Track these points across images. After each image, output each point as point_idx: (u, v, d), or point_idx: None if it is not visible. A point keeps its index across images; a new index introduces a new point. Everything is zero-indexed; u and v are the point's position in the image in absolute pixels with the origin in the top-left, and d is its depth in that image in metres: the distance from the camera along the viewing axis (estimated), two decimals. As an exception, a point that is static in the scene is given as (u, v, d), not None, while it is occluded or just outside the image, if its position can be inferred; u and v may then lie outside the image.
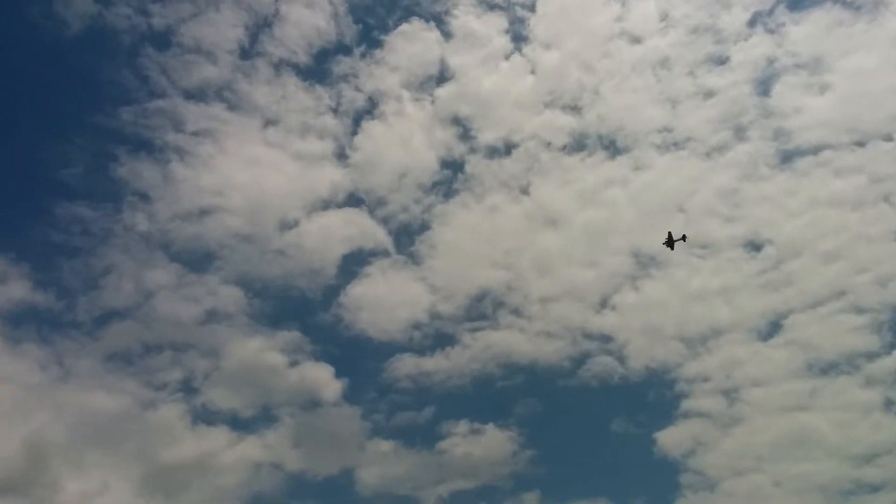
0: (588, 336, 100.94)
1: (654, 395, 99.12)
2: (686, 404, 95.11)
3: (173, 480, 79.00)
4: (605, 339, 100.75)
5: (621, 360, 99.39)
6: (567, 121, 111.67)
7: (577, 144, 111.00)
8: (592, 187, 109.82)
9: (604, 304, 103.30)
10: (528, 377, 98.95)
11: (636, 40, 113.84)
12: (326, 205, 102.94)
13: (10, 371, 79.33)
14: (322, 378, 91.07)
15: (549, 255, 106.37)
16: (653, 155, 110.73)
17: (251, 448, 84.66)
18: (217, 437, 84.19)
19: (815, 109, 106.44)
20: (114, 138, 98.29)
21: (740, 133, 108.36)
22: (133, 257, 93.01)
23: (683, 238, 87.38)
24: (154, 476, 78.37)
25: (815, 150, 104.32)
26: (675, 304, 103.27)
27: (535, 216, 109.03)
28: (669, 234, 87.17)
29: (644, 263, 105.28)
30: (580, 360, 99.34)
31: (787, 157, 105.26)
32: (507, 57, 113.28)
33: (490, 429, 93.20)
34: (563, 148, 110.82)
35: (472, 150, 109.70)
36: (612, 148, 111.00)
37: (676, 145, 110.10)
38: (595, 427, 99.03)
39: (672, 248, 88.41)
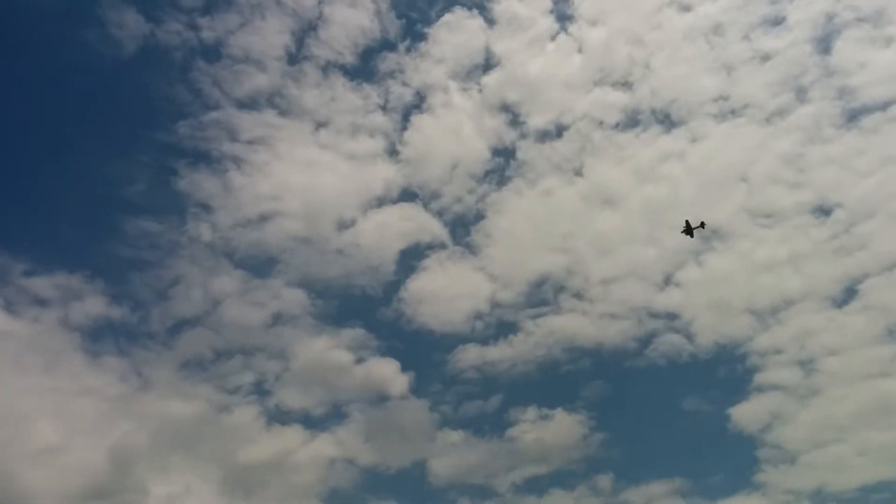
0: (653, 315, 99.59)
1: (726, 371, 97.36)
2: (760, 378, 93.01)
3: (252, 480, 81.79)
4: (671, 316, 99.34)
5: (689, 337, 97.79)
6: (618, 97, 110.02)
7: (630, 121, 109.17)
8: (648, 163, 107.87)
9: (667, 281, 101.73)
10: (593, 360, 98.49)
11: (686, 8, 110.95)
12: (381, 202, 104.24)
13: (92, 384, 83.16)
14: (388, 373, 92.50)
15: (608, 235, 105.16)
16: (710, 125, 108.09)
17: (324, 445, 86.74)
18: (291, 436, 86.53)
19: (881, 64, 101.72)
20: (173, 152, 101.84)
21: (801, 95, 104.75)
22: (199, 266, 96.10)
23: (702, 225, 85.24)
24: (234, 476, 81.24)
25: (883, 106, 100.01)
26: (743, 277, 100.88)
27: (591, 197, 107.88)
28: (687, 221, 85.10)
29: (707, 237, 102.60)
30: (646, 339, 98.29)
31: (853, 116, 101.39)
32: (552, 38, 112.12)
33: (559, 414, 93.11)
34: (616, 125, 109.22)
35: (523, 136, 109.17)
36: (667, 121, 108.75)
37: (734, 113, 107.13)
38: (666, 406, 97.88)
39: (692, 236, 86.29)
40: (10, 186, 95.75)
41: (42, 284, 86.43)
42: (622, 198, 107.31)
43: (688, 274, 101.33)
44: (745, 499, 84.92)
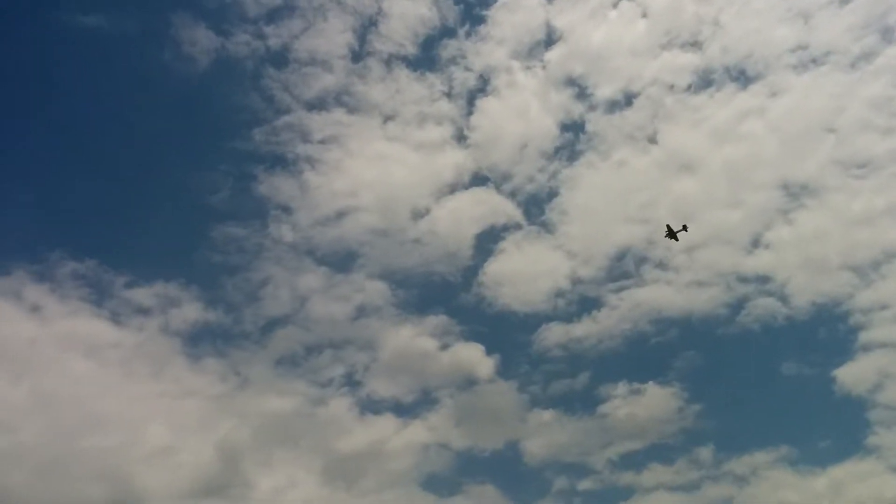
0: (743, 279, 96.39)
1: (826, 332, 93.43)
2: (865, 336, 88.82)
3: (351, 469, 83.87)
4: (763, 279, 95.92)
5: (783, 299, 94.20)
6: (688, 59, 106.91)
7: (703, 81, 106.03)
8: (726, 123, 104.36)
9: (755, 243, 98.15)
10: (683, 330, 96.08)
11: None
12: (453, 188, 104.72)
13: (195, 385, 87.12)
14: (474, 357, 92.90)
15: (689, 201, 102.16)
16: (789, 77, 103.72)
17: (417, 431, 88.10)
18: (384, 425, 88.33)
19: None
20: (251, 159, 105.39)
21: (888, 35, 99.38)
22: (284, 266, 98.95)
23: (684, 228, 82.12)
24: (333, 467, 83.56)
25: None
26: (838, 232, 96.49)
27: (668, 164, 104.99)
28: (668, 226, 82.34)
29: (795, 194, 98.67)
30: (738, 305, 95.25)
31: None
32: (614, 5, 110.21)
33: (650, 387, 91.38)
34: (688, 88, 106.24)
35: (591, 108, 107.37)
36: (742, 78, 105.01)
37: (815, 62, 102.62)
38: (764, 373, 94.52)
39: (676, 240, 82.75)
40: (107, 205, 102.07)
41: (143, 294, 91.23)
42: (700, 162, 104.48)
43: (777, 234, 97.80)
44: (858, 463, 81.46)
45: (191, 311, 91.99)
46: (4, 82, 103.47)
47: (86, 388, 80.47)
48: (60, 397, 78.13)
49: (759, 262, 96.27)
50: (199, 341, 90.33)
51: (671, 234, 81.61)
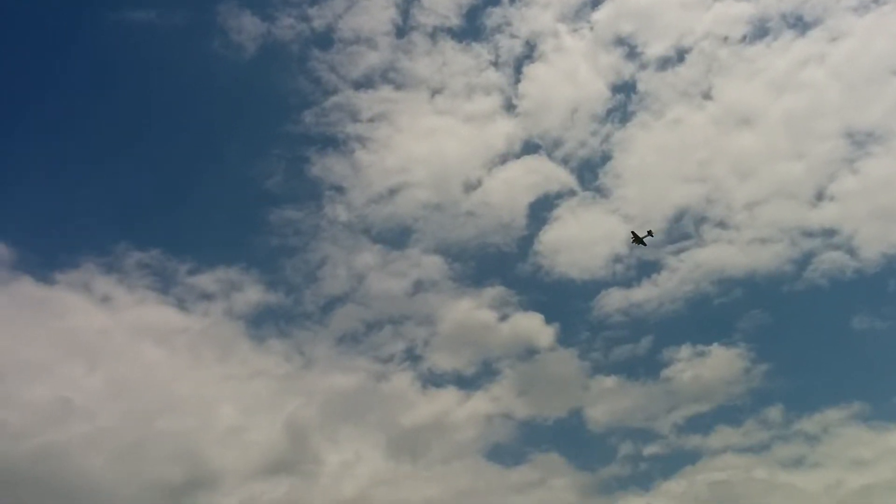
0: (808, 234, 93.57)
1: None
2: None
3: (416, 442, 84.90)
4: (829, 233, 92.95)
5: (851, 252, 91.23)
6: (742, 8, 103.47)
7: (759, 31, 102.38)
8: (785, 73, 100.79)
9: (820, 196, 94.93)
10: (747, 289, 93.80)
11: None
12: (504, 158, 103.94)
13: (261, 366, 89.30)
14: (533, 326, 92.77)
15: (748, 156, 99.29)
16: (850, 20, 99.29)
17: (480, 403, 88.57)
18: (447, 397, 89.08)
19: None
20: (303, 141, 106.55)
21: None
22: (341, 246, 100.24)
23: (650, 233, 79.98)
24: (398, 440, 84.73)
25: None
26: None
27: (725, 119, 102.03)
28: (633, 233, 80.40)
29: (861, 142, 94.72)
30: (803, 261, 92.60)
31: None
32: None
33: (715, 349, 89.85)
34: (743, 39, 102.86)
35: (642, 67, 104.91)
36: (800, 24, 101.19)
37: (877, 2, 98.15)
38: (833, 328, 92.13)
39: (644, 245, 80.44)
40: (166, 195, 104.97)
41: (206, 280, 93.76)
42: (759, 114, 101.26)
43: (843, 185, 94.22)
44: (936, 417, 78.58)
45: (252, 294, 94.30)
46: (63, 81, 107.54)
47: (158, 374, 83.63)
48: (134, 383, 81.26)
49: (824, 215, 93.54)
50: (262, 323, 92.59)
51: (637, 239, 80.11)
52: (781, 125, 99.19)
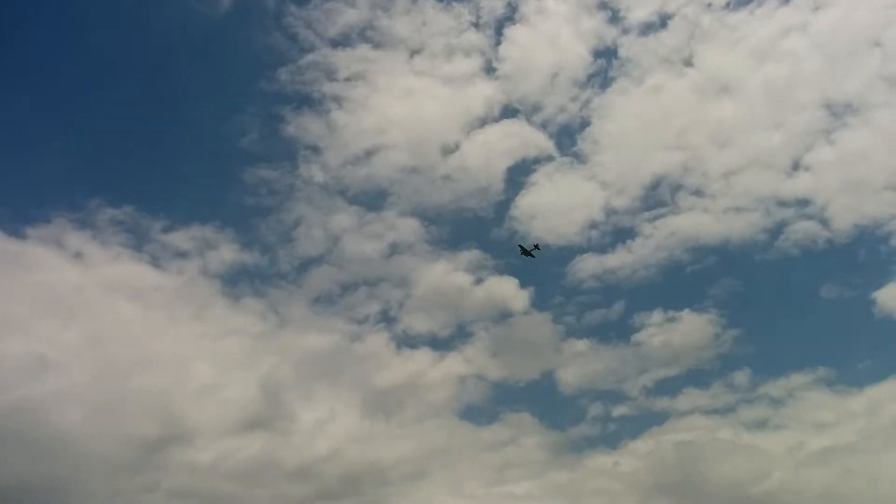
0: (782, 203, 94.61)
1: (867, 254, 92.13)
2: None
3: (390, 401, 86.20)
4: (803, 203, 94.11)
5: (824, 222, 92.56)
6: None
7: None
8: (767, 41, 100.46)
9: (796, 166, 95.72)
10: (720, 257, 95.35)
11: None
12: (483, 122, 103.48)
13: (236, 324, 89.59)
14: (508, 290, 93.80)
15: (727, 125, 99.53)
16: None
17: (453, 364, 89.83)
18: (421, 358, 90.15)
19: None
20: (278, 100, 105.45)
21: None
22: (316, 207, 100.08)
23: (537, 247, 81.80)
24: (372, 400, 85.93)
25: None
26: (883, 152, 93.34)
27: (705, 87, 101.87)
28: (520, 245, 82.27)
29: (838, 113, 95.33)
30: (776, 230, 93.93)
31: None
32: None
33: (686, 315, 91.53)
34: (727, 5, 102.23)
35: (624, 32, 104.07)
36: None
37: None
38: (803, 296, 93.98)
39: (533, 256, 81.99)
40: (139, 151, 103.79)
41: (180, 238, 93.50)
42: (739, 83, 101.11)
43: (818, 155, 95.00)
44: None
45: (227, 253, 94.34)
46: (34, 36, 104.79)
47: (132, 331, 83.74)
48: (109, 340, 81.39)
49: (799, 186, 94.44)
50: (237, 282, 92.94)
51: (525, 252, 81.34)
52: (761, 94, 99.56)
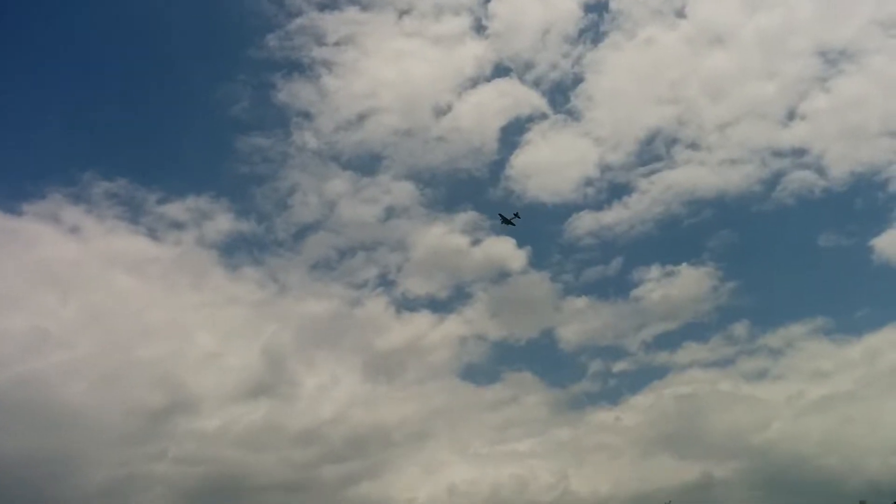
0: (778, 154, 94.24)
1: (865, 202, 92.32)
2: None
3: (391, 364, 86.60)
4: (799, 152, 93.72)
5: (820, 171, 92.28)
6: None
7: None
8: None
9: (791, 115, 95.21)
10: (716, 210, 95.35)
11: None
12: (475, 82, 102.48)
13: (236, 293, 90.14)
14: (505, 250, 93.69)
15: (721, 76, 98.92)
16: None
17: (453, 325, 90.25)
18: (421, 321, 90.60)
19: None
20: (267, 67, 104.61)
21: None
22: (310, 173, 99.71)
23: (517, 215, 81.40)
24: (374, 363, 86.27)
25: None
26: (879, 98, 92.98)
27: (698, 38, 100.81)
28: (500, 215, 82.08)
29: (833, 60, 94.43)
30: (772, 181, 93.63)
31: None
32: None
33: (684, 269, 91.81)
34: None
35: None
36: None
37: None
38: (800, 246, 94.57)
39: (513, 225, 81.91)
40: (130, 123, 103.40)
41: (176, 209, 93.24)
42: (732, 33, 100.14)
43: (814, 104, 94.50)
44: (895, 331, 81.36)
45: (224, 223, 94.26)
46: (25, 10, 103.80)
47: (132, 303, 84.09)
48: (109, 312, 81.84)
49: (794, 135, 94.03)
50: (234, 251, 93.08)
51: (505, 220, 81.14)
52: (754, 44, 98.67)
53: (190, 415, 75.62)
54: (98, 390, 73.84)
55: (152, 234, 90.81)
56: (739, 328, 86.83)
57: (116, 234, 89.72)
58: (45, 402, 70.79)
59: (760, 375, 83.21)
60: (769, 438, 75.83)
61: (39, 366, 72.72)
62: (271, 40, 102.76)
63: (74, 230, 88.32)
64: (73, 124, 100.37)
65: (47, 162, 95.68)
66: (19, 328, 74.86)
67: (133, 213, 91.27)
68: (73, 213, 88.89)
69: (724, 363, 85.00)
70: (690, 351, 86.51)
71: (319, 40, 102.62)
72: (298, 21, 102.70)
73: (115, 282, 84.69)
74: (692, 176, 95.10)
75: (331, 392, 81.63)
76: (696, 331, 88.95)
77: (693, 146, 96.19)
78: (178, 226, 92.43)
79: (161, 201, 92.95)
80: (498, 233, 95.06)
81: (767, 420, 77.45)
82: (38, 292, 79.68)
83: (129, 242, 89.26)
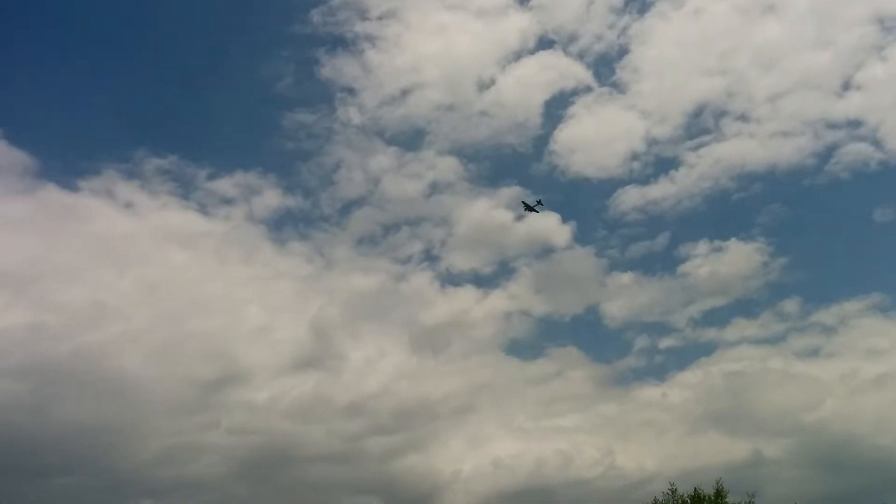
0: (832, 126, 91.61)
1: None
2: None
3: (436, 338, 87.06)
4: (854, 124, 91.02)
5: (876, 143, 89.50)
6: None
7: None
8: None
9: (846, 86, 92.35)
10: (767, 184, 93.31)
11: None
12: (518, 55, 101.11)
13: (284, 268, 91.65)
14: (549, 225, 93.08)
15: (772, 46, 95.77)
16: None
17: (497, 300, 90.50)
18: (465, 296, 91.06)
19: None
20: (311, 42, 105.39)
21: None
22: (355, 149, 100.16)
23: (540, 202, 78.29)
24: (419, 337, 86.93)
25: None
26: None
27: (749, 7, 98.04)
28: (524, 202, 79.22)
29: (890, 28, 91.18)
30: (826, 153, 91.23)
31: None
32: None
33: (732, 244, 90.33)
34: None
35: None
36: None
37: None
38: (854, 221, 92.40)
39: (537, 212, 79.11)
40: (180, 101, 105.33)
41: (225, 185, 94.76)
42: (785, 2, 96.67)
43: (870, 73, 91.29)
44: (954, 307, 79.30)
45: (271, 198, 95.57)
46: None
47: (185, 277, 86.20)
48: (163, 286, 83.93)
49: (849, 106, 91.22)
50: (282, 226, 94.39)
51: (528, 207, 79.10)
52: (808, 12, 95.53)
53: (241, 386, 77.45)
54: (153, 362, 75.98)
55: (203, 209, 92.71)
56: (791, 305, 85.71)
57: (169, 209, 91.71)
58: (104, 372, 73.20)
59: (813, 353, 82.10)
60: (822, 417, 74.73)
61: (98, 338, 75.14)
62: (315, 16, 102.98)
63: (129, 206, 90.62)
64: (124, 102, 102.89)
65: (101, 139, 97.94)
66: (79, 301, 77.45)
67: (184, 189, 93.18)
68: (126, 189, 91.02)
69: (774, 340, 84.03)
70: (739, 327, 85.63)
71: (362, 15, 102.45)
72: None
73: (168, 256, 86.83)
74: (742, 149, 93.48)
75: (377, 365, 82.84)
76: (745, 307, 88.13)
77: (743, 118, 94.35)
78: (227, 201, 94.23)
79: (211, 177, 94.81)
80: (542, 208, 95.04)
81: (820, 398, 76.21)
82: (95, 266, 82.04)
83: (181, 218, 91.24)
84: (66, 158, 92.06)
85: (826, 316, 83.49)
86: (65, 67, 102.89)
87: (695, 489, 43.67)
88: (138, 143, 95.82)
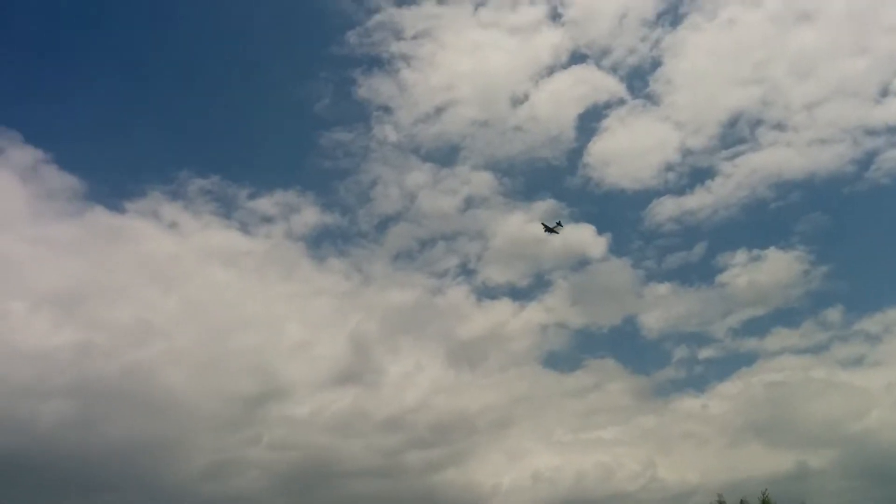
0: (871, 132, 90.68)
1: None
2: None
3: (473, 352, 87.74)
4: (894, 130, 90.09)
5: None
6: None
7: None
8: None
9: (884, 92, 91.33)
10: (805, 192, 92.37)
11: None
12: (551, 70, 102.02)
13: (323, 284, 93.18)
14: (585, 238, 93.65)
15: (808, 54, 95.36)
16: None
17: (534, 313, 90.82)
18: (501, 309, 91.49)
19: None
20: (348, 63, 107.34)
21: None
22: (391, 166, 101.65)
23: (559, 224, 78.35)
24: (456, 351, 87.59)
25: None
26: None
27: (783, 15, 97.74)
28: (543, 224, 78.80)
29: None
30: (866, 160, 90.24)
31: None
32: None
33: (771, 253, 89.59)
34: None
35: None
36: None
37: None
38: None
39: (557, 233, 78.52)
40: (221, 123, 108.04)
41: (265, 204, 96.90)
42: (820, 9, 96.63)
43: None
44: None
45: (310, 216, 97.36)
46: (117, 17, 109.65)
47: (227, 295, 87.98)
48: (207, 304, 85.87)
49: (889, 112, 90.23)
50: (320, 243, 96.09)
51: (548, 229, 78.67)
52: (844, 18, 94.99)
53: (282, 402, 78.70)
54: (197, 379, 77.76)
55: (244, 228, 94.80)
56: (833, 313, 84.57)
57: (211, 228, 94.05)
58: (149, 390, 74.89)
59: (857, 362, 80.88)
60: (867, 427, 73.59)
61: (143, 356, 76.79)
62: (351, 37, 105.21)
63: (173, 226, 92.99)
64: (168, 126, 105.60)
65: (146, 162, 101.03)
66: (125, 320, 79.40)
67: (226, 209, 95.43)
68: (171, 210, 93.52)
69: (816, 349, 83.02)
70: (780, 337, 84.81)
71: (398, 35, 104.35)
72: (377, 17, 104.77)
73: (211, 275, 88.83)
74: (778, 158, 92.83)
75: (415, 379, 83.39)
76: (786, 316, 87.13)
77: (779, 127, 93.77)
78: (267, 220, 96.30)
79: (251, 196, 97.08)
80: (577, 220, 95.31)
81: (865, 408, 75.11)
82: (141, 286, 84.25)
83: (224, 237, 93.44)
84: (113, 181, 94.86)
85: (870, 324, 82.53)
86: (111, 94, 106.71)
87: (741, 501, 43.45)
88: (182, 164, 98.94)
